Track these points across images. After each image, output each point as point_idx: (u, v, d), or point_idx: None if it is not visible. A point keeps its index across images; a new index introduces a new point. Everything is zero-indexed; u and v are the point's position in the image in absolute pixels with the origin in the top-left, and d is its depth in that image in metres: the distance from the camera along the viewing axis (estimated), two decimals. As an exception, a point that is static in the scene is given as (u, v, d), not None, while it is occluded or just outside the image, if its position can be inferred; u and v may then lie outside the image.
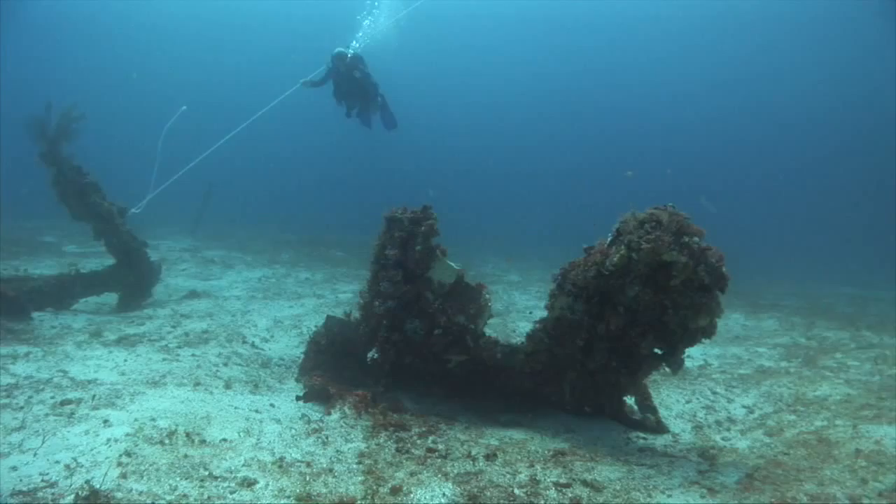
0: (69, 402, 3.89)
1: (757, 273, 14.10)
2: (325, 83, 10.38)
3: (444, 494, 3.09)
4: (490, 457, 3.76)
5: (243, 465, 3.27)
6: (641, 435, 4.69)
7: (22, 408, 3.69)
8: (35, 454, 3.05)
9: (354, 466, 3.49)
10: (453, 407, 5.11)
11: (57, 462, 2.98)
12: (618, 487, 3.36)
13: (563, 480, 3.42)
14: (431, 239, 5.05)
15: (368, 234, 5.25)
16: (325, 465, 3.45)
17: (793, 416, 5.03)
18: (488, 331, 5.11)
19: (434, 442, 4.10)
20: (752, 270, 16.07)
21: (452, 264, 5.02)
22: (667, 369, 4.38)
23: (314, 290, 9.67)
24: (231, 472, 3.14)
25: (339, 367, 5.60)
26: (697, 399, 5.46)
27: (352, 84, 10.23)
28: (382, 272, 5.22)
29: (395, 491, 3.17)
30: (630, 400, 5.09)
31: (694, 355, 7.37)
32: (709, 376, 6.35)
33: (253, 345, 6.59)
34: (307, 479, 3.19)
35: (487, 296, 5.03)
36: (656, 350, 4.28)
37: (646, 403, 5.00)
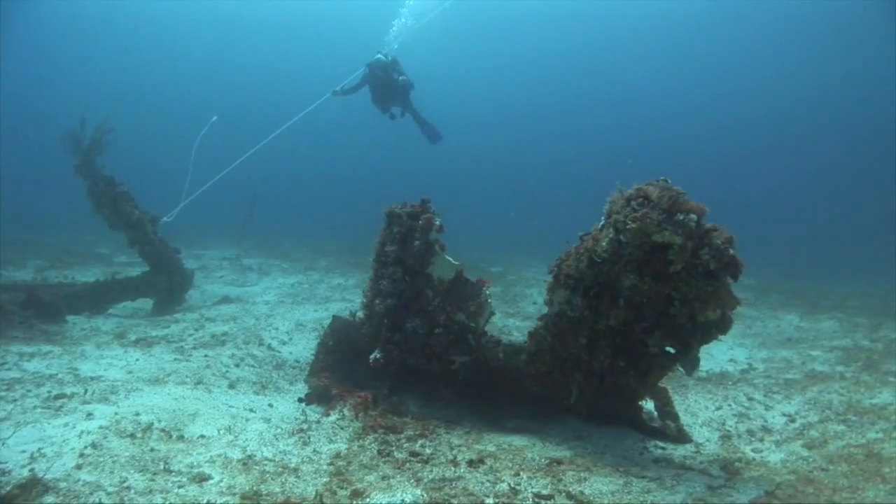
0: (63, 396, 3.98)
1: (826, 273, 12.84)
2: (359, 90, 10.47)
3: (402, 501, 2.84)
4: (474, 463, 3.48)
5: (206, 462, 3.18)
6: (660, 444, 4.25)
7: (15, 400, 3.81)
8: (4, 443, 3.09)
9: (324, 468, 3.32)
10: (460, 411, 4.85)
11: (23, 451, 3.01)
12: (606, 502, 2.98)
13: (545, 491, 3.09)
14: (430, 233, 4.85)
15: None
16: (293, 465, 3.31)
17: (841, 427, 4.39)
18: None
19: (422, 446, 3.87)
20: (823, 271, 14.67)
21: (451, 259, 4.79)
22: (681, 370, 3.95)
23: (343, 295, 9.68)
24: (190, 468, 3.06)
25: (347, 369, 5.48)
26: (729, 405, 4.89)
27: (390, 88, 10.24)
28: (382, 269, 5.08)
29: (356, 494, 2.97)
30: (649, 405, 4.65)
31: (738, 359, 6.71)
32: (749, 381, 5.71)
33: (269, 347, 6.61)
34: (265, 477, 3.04)
35: (487, 292, 4.75)
36: (668, 349, 3.86)
37: (665, 409, 4.54)
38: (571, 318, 3.99)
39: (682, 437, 4.32)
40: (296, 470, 3.23)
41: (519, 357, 4.58)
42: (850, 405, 4.79)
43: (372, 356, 5.26)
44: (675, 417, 4.44)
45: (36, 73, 40.43)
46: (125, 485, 2.75)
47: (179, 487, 2.79)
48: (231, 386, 5.06)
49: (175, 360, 5.48)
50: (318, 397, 4.89)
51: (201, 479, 2.92)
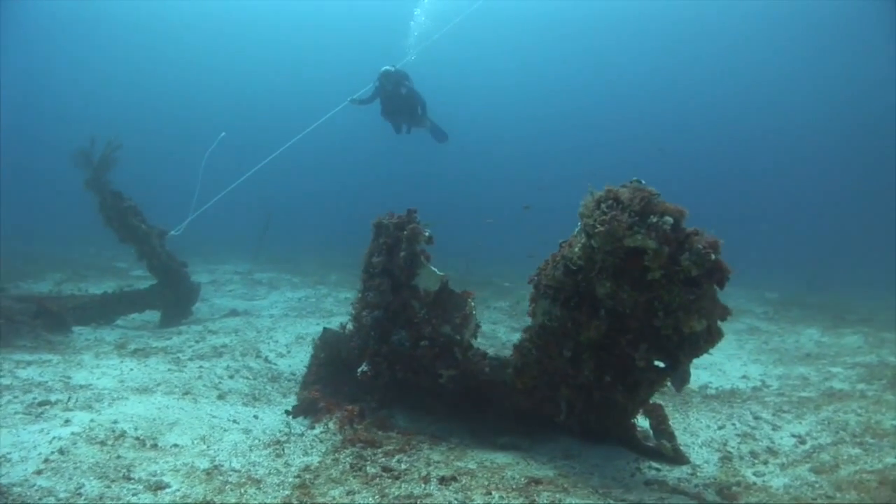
0: (47, 403, 4.01)
1: (854, 286, 12.21)
2: (372, 101, 10.62)
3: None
4: (446, 481, 3.34)
5: (170, 470, 3.13)
6: (655, 465, 4.02)
7: (0, 406, 3.86)
8: (-29, 449, 3.12)
9: (290, 480, 3.23)
10: (451, 426, 4.72)
11: (-12, 457, 3.02)
12: (577, 524, 2.81)
13: (513, 511, 2.93)
14: (416, 244, 4.79)
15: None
16: (258, 477, 3.23)
17: (856, 450, 4.08)
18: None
19: (399, 461, 3.75)
20: (850, 284, 13.97)
21: (436, 270, 4.71)
22: (670, 385, 3.74)
23: (349, 309, 9.63)
24: (151, 476, 3.01)
25: (338, 382, 5.41)
26: (733, 425, 4.62)
27: (399, 101, 10.38)
28: (370, 281, 5.03)
29: (313, 507, 2.87)
30: (645, 423, 4.43)
31: (751, 375, 6.38)
32: (760, 399, 5.40)
33: (266, 359, 6.60)
34: (225, 488, 2.97)
35: (472, 303, 4.64)
36: (657, 363, 3.67)
37: (661, 428, 4.31)
38: (554, 330, 3.85)
39: (678, 457, 4.08)
40: (259, 482, 3.15)
41: (506, 371, 4.44)
42: (869, 426, 4.46)
43: (360, 369, 5.18)
44: (672, 436, 4.20)
45: (39, 80, 40.53)
46: (79, 491, 2.71)
47: (133, 495, 2.75)
48: (220, 397, 5.03)
49: (168, 370, 5.51)
50: (305, 410, 4.83)
51: (158, 487, 2.87)
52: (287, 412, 4.76)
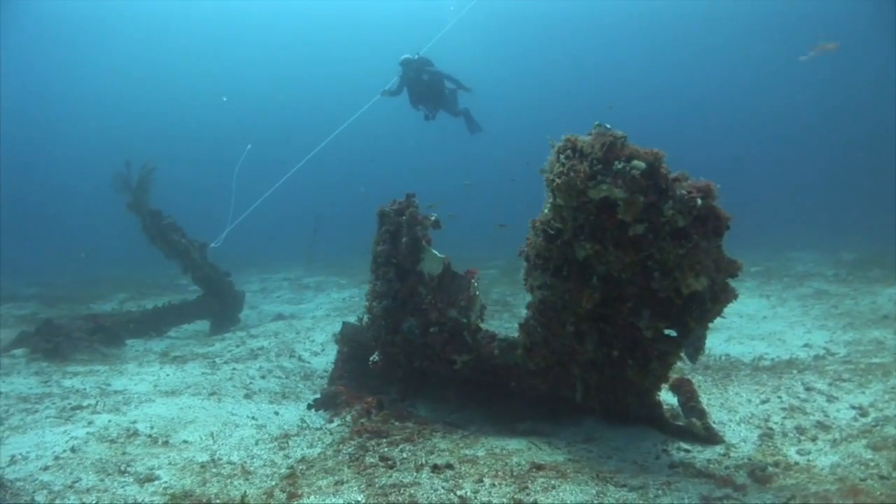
0: (79, 407, 4.26)
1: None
2: (401, 92, 10.66)
3: (331, 506, 2.65)
4: (439, 469, 3.19)
5: (167, 464, 3.20)
6: (684, 445, 3.67)
7: (37, 411, 4.14)
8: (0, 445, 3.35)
9: (282, 471, 3.22)
10: (472, 414, 4.58)
11: (11, 454, 3.22)
12: (563, 512, 2.57)
13: (497, 500, 2.75)
14: (415, 228, 4.67)
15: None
16: (251, 469, 3.24)
17: (928, 421, 3.50)
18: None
19: (402, 451, 3.64)
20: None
21: (437, 253, 4.56)
22: (685, 358, 3.38)
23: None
24: (149, 470, 3.09)
25: (364, 375, 5.41)
26: (779, 398, 4.12)
27: (423, 87, 10.36)
28: (377, 270, 4.97)
29: (292, 496, 2.82)
30: (674, 400, 4.06)
31: (814, 343, 5.72)
32: (819, 368, 4.80)
33: (300, 358, 6.73)
34: (213, 479, 3.00)
35: (475, 283, 4.45)
36: (668, 332, 3.33)
37: (690, 404, 3.93)
38: (554, 304, 3.59)
39: (710, 436, 3.69)
40: (250, 473, 3.16)
41: (515, 353, 4.22)
42: (947, 394, 3.84)
43: (371, 358, 5.14)
44: (702, 414, 3.81)
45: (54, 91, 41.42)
46: (73, 484, 2.83)
47: (122, 487, 2.82)
48: (247, 396, 5.15)
49: (202, 373, 5.73)
50: (326, 403, 4.85)
51: (148, 479, 2.93)
52: (309, 406, 4.79)
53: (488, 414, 4.57)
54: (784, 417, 3.83)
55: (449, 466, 3.23)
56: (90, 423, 3.89)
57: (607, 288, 3.19)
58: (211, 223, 9.09)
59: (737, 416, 3.95)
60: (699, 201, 2.46)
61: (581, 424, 4.11)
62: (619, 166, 2.41)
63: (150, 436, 3.71)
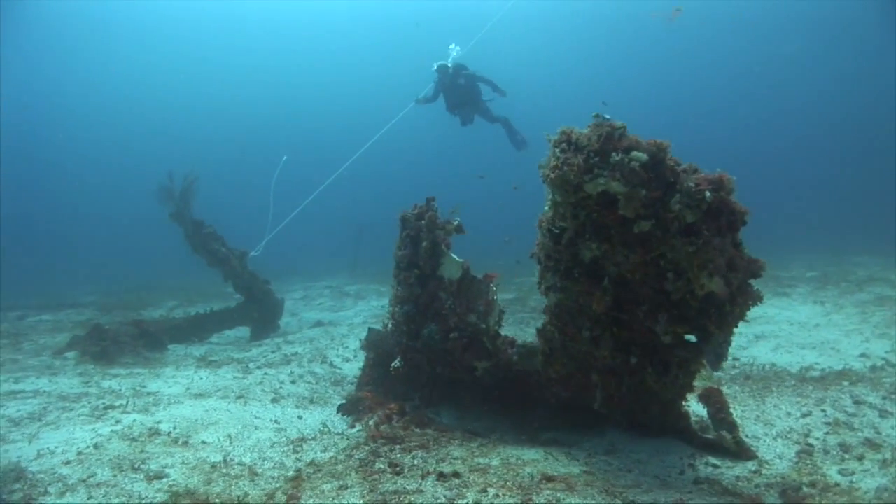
0: (112, 407, 4.45)
1: None
2: (436, 98, 10.70)
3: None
4: (445, 477, 3.11)
5: (180, 463, 3.27)
6: (714, 461, 3.42)
7: (72, 409, 4.35)
8: (30, 442, 3.53)
9: (289, 474, 3.22)
10: (495, 423, 4.48)
11: (37, 449, 3.39)
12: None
13: (499, 508, 2.63)
14: (435, 232, 4.63)
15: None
16: (259, 470, 3.26)
17: None
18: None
19: (413, 457, 3.58)
20: None
21: (455, 257, 4.50)
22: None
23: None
24: (162, 468, 3.17)
25: (389, 381, 5.40)
26: (823, 411, 3.77)
27: (459, 92, 10.36)
28: (399, 275, 4.96)
29: (292, 498, 2.81)
30: (703, 410, 3.81)
31: (873, 353, 5.24)
32: (875, 381, 4.38)
33: (331, 364, 6.79)
34: (218, 479, 3.03)
35: (494, 288, 4.35)
36: (688, 337, 3.12)
37: (720, 416, 3.66)
38: (569, 308, 3.44)
39: (742, 451, 3.42)
40: (258, 474, 3.18)
41: (534, 360, 4.08)
42: None
43: (392, 364, 5.10)
44: (733, 427, 3.54)
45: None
46: (86, 479, 2.93)
47: (131, 483, 2.90)
48: (274, 400, 5.23)
49: (234, 378, 5.88)
50: (350, 409, 4.86)
51: (157, 477, 3.01)
52: (338, 410, 4.82)
53: (512, 422, 4.45)
54: (827, 433, 3.50)
55: (456, 475, 3.14)
56: (118, 421, 4.05)
57: (620, 290, 3.03)
58: (254, 232, 9.39)
59: (773, 430, 3.64)
60: (708, 194, 2.28)
61: (605, 435, 3.92)
62: (617, 158, 2.27)
63: (171, 436, 3.82)
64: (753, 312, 8.15)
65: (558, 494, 2.76)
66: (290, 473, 3.23)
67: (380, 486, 3.01)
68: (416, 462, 3.46)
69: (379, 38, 43.64)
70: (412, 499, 2.81)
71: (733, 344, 6.38)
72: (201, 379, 5.77)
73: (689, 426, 3.66)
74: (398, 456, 3.59)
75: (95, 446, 3.46)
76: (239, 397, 5.14)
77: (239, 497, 2.76)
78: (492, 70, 10.59)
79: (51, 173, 41.52)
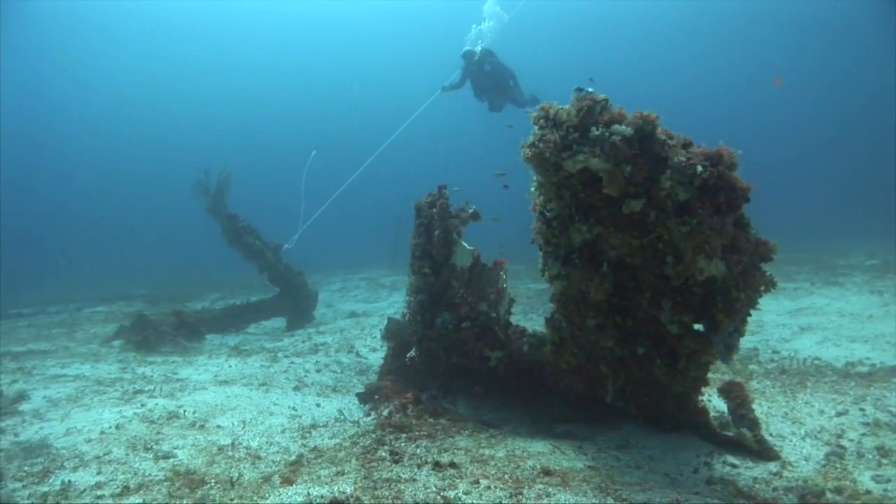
0: (141, 391, 4.68)
1: None
2: (462, 85, 10.62)
3: (318, 494, 2.64)
4: (440, 466, 3.07)
5: (191, 445, 3.39)
6: (732, 459, 3.22)
7: (105, 392, 4.61)
8: (62, 421, 3.76)
9: (291, 458, 3.27)
10: (510, 414, 4.41)
11: (66, 427, 3.61)
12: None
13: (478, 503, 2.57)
14: (446, 220, 4.58)
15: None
16: (262, 454, 3.33)
17: None
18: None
19: (417, 446, 3.56)
20: None
21: (466, 245, 4.43)
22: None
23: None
24: (172, 448, 3.30)
25: (409, 370, 5.43)
26: (862, 410, 3.46)
27: (485, 79, 10.24)
28: (414, 264, 4.95)
29: (286, 482, 2.85)
30: (723, 406, 3.58)
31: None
32: (927, 380, 3.97)
33: (358, 354, 6.88)
34: (221, 461, 3.12)
35: (504, 275, 4.25)
36: (697, 326, 2.93)
37: (740, 412, 3.43)
38: (574, 296, 3.31)
39: (763, 450, 3.19)
40: (260, 458, 3.24)
41: (544, 350, 3.97)
42: None
43: (408, 355, 5.10)
44: (754, 424, 3.31)
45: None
46: (101, 456, 3.09)
47: (140, 462, 3.04)
48: (296, 388, 5.34)
49: (261, 366, 6.05)
50: (368, 397, 4.90)
51: (165, 457, 3.12)
52: (358, 397, 4.87)
53: (527, 414, 4.35)
54: (863, 434, 3.20)
55: (452, 465, 3.09)
56: (143, 405, 4.24)
57: (621, 276, 2.87)
58: (290, 226, 9.63)
59: (802, 429, 3.37)
60: (700, 168, 2.11)
61: (620, 429, 3.77)
62: (597, 133, 2.13)
63: (189, 419, 3.97)
64: (800, 302, 7.65)
65: (549, 489, 2.66)
66: (292, 458, 3.28)
67: (375, 473, 3.00)
68: (418, 451, 3.44)
69: (407, 29, 43.35)
70: (402, 487, 2.78)
71: (775, 336, 6.03)
72: (230, 367, 5.97)
73: (708, 422, 3.45)
74: (402, 445, 3.58)
75: (117, 427, 3.64)
76: (262, 384, 5.28)
77: (233, 478, 2.83)
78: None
79: (111, 173, 43.69)
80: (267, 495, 2.67)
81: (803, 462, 3.04)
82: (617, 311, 3.01)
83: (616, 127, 2.11)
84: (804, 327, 5.99)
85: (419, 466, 3.08)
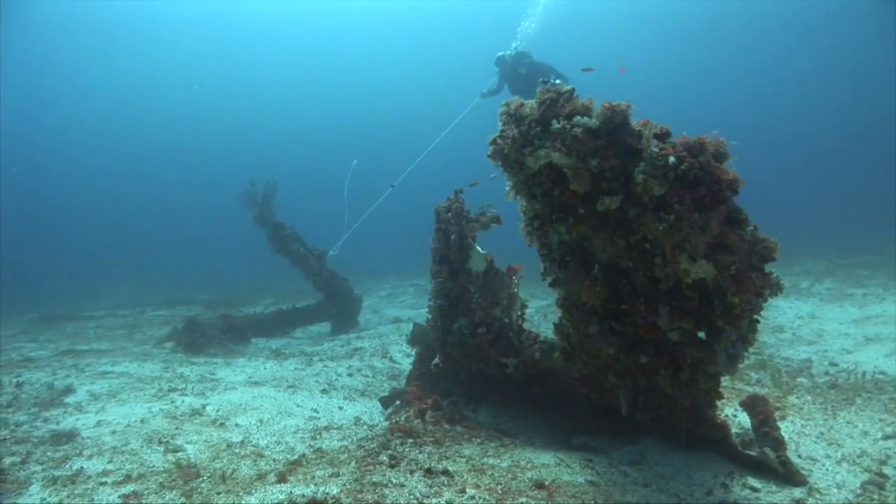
0: (174, 389, 4.95)
1: None
2: (501, 90, 10.56)
3: (301, 494, 2.66)
4: (432, 473, 3.02)
5: (203, 441, 3.53)
6: (754, 482, 2.95)
7: (142, 389, 4.91)
8: (97, 413, 4.04)
9: (293, 458, 3.33)
10: (529, 423, 4.30)
11: (98, 420, 3.88)
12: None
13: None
14: (462, 225, 4.54)
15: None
16: (268, 454, 3.41)
17: None
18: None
19: (419, 452, 3.54)
20: None
21: (479, 249, 4.36)
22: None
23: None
24: (184, 443, 3.45)
25: (437, 376, 5.42)
26: (913, 432, 3.03)
27: (520, 82, 10.12)
28: (433, 269, 4.94)
29: (280, 480, 2.93)
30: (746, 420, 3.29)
31: None
32: None
33: (391, 359, 6.93)
34: (224, 457, 3.22)
35: (516, 280, 4.14)
36: (699, 334, 2.71)
37: (763, 430, 3.13)
38: (576, 302, 3.16)
39: (789, 474, 2.88)
40: (262, 456, 3.32)
41: (553, 357, 3.82)
42: None
43: (433, 362, 5.06)
44: (779, 443, 3.00)
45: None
46: (118, 447, 3.28)
47: (151, 454, 3.20)
48: (325, 391, 5.45)
49: (295, 369, 6.23)
50: (389, 402, 4.93)
51: (174, 451, 3.27)
52: (380, 402, 4.92)
53: (547, 423, 4.23)
54: (912, 458, 2.81)
55: (445, 473, 3.03)
56: (172, 402, 4.48)
57: (615, 279, 2.72)
58: (336, 233, 9.90)
59: (839, 451, 3.01)
60: (672, 159, 1.95)
61: (638, 444, 3.57)
62: (558, 126, 2.01)
63: (212, 417, 4.14)
64: (869, 310, 6.94)
65: (532, 503, 2.53)
66: (294, 458, 3.33)
67: (367, 476, 2.99)
68: (419, 457, 3.40)
69: (448, 35, 42.88)
70: (387, 491, 2.75)
71: (835, 347, 5.47)
72: (265, 369, 6.19)
73: (728, 438, 3.16)
74: (406, 450, 3.55)
75: (142, 421, 3.87)
76: (290, 387, 5.42)
77: (227, 473, 2.91)
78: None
79: (176, 181, 45.76)
80: (254, 491, 2.73)
81: (834, 490, 2.71)
82: (613, 317, 2.84)
83: (577, 119, 1.99)
84: (871, 337, 5.39)
85: (411, 472, 3.04)
